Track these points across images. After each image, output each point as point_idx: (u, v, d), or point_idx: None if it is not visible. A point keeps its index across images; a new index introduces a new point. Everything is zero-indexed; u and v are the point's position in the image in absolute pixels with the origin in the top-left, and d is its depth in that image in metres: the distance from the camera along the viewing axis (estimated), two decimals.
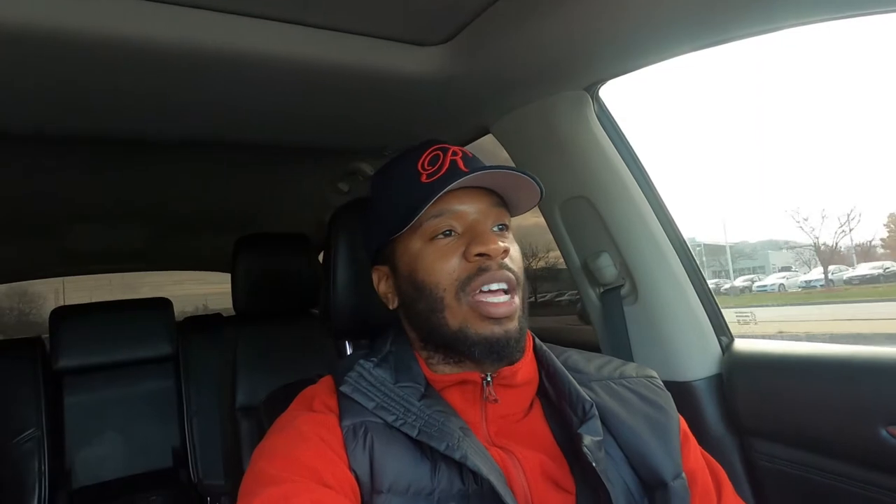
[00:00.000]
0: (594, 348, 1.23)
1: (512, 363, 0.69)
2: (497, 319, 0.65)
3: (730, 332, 1.16)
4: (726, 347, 1.13)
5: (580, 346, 0.85)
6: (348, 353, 1.81)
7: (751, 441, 1.04)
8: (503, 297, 0.66)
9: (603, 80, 1.04)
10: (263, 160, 1.68)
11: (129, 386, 2.16)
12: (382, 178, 0.78)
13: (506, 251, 0.67)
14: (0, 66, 0.82)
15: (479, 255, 0.66)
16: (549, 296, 2.28)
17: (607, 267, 1.12)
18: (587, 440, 0.63)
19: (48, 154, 1.39)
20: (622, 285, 1.14)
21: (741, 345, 1.13)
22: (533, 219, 1.39)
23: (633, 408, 0.70)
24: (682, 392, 1.08)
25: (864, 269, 2.88)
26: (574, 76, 1.02)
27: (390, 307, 0.76)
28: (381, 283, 0.77)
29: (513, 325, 0.66)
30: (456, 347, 0.67)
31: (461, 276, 0.66)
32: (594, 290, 1.19)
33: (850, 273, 2.90)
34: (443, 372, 0.70)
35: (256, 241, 1.67)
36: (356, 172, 1.70)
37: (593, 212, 1.12)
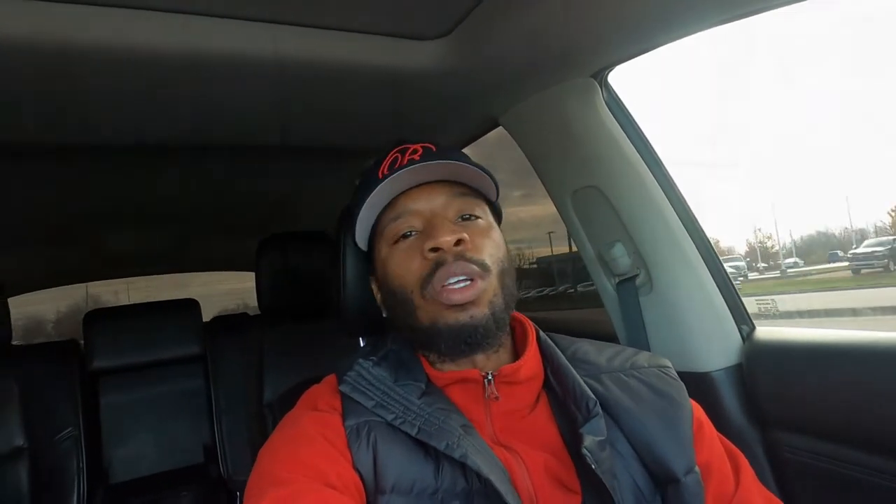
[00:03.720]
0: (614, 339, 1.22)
1: (493, 348, 0.68)
2: (461, 306, 0.64)
3: (751, 321, 1.13)
4: (747, 336, 1.10)
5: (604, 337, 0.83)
6: None
7: (774, 433, 1.01)
8: (464, 283, 0.64)
9: (610, 66, 1.02)
10: (284, 161, 1.70)
11: (161, 385, 2.23)
12: (357, 189, 0.79)
13: (460, 241, 0.65)
14: (33, 79, 0.86)
15: (433, 250, 0.65)
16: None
17: (621, 257, 1.10)
18: (588, 441, 0.61)
19: (76, 162, 1.45)
20: (637, 275, 1.12)
21: (763, 333, 1.10)
22: None
23: (644, 400, 0.68)
24: (700, 383, 1.05)
25: None
26: (580, 63, 1.00)
27: (384, 315, 0.76)
28: (378, 294, 0.77)
29: (479, 311, 0.65)
30: (431, 345, 0.67)
31: (422, 274, 0.66)
32: (609, 281, 1.17)
33: None
34: (444, 369, 0.69)
35: (279, 241, 1.70)
36: None
37: (605, 201, 1.10)
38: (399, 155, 0.71)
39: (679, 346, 1.09)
